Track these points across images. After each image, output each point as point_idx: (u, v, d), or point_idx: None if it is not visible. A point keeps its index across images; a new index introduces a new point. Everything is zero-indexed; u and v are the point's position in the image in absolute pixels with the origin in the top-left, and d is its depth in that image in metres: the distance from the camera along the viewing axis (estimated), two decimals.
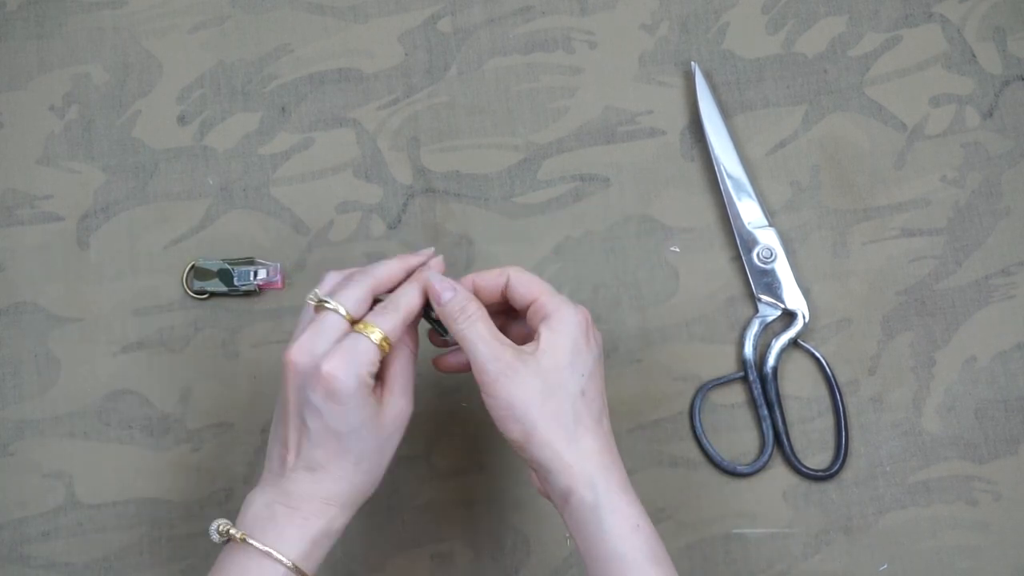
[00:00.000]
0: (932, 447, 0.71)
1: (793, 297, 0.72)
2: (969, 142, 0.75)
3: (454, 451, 0.71)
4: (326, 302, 0.58)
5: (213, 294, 0.73)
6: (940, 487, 0.70)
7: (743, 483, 0.70)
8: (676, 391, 0.72)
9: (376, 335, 0.57)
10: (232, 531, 0.57)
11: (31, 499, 0.70)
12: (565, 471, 0.57)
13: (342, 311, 0.58)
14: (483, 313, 0.59)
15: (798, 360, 0.72)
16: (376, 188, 0.75)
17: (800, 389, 0.72)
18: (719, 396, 0.72)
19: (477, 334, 0.58)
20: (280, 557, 0.56)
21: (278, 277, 0.73)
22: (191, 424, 0.71)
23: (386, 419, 0.58)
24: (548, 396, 0.57)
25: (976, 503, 0.70)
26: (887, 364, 0.72)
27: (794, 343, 0.71)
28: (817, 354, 0.71)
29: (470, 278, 0.61)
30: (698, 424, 0.70)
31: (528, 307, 0.60)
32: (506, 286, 0.61)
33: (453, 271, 0.73)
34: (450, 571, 0.70)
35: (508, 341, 0.58)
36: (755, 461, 0.70)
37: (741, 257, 0.73)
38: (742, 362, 0.71)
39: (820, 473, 0.70)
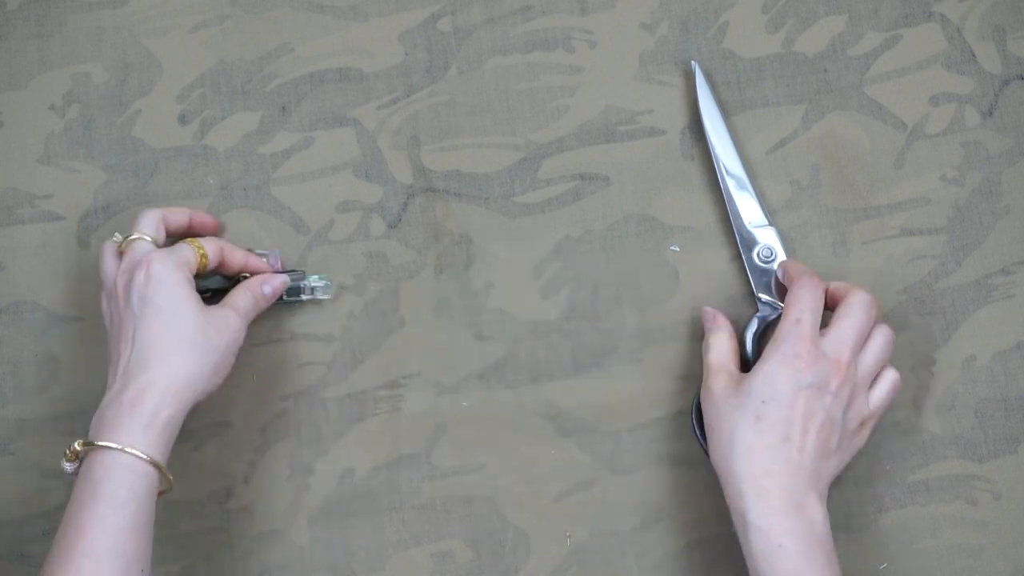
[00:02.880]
0: (932, 446, 0.71)
1: None
2: (969, 141, 0.75)
3: (454, 451, 0.72)
4: (130, 236, 0.68)
5: (216, 291, 0.73)
6: (940, 486, 0.70)
7: None
8: (676, 390, 0.72)
9: (199, 248, 0.68)
10: (75, 445, 0.61)
11: (32, 498, 0.71)
12: (727, 485, 0.63)
13: (147, 237, 0.68)
14: (729, 330, 0.69)
15: None
16: (376, 187, 0.75)
17: None
18: None
19: (716, 343, 0.68)
20: (112, 444, 0.60)
21: (279, 264, 0.73)
22: (191, 423, 0.71)
23: (215, 319, 0.66)
24: (727, 413, 0.64)
25: (976, 502, 0.70)
26: None
27: None
28: None
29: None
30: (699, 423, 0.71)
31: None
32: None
33: (454, 271, 0.75)
34: (450, 570, 0.70)
35: (733, 365, 0.67)
36: None
37: (741, 256, 0.73)
38: (743, 361, 0.72)
39: None
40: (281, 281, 0.71)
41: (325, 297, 0.73)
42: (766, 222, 0.73)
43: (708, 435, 0.65)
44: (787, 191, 0.75)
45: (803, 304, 0.65)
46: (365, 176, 0.76)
